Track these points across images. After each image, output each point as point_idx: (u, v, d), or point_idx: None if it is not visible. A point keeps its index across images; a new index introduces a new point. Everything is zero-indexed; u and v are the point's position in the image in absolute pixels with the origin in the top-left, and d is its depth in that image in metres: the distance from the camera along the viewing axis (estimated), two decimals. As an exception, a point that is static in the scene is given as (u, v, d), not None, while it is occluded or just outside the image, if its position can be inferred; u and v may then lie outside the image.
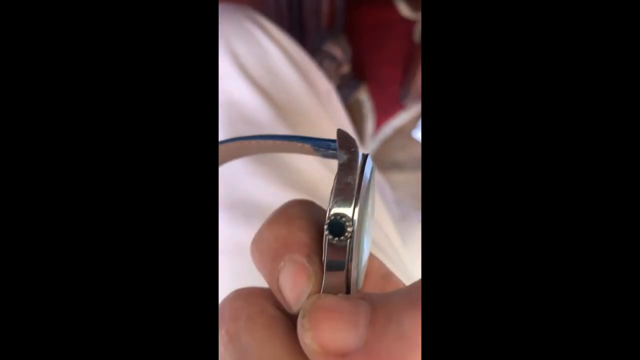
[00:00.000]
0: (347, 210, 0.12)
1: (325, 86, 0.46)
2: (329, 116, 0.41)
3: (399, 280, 0.15)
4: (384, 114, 1.04)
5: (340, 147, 0.13)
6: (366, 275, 0.15)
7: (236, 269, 0.30)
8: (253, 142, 0.15)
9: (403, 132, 1.03)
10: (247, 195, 0.34)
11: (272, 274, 0.13)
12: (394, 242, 0.40)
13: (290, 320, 0.13)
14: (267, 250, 0.13)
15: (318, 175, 0.36)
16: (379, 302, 0.11)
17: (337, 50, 0.94)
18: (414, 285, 0.12)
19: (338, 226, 0.12)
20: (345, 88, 1.01)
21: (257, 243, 0.14)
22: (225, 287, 0.16)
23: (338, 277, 0.12)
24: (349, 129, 0.48)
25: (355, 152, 0.13)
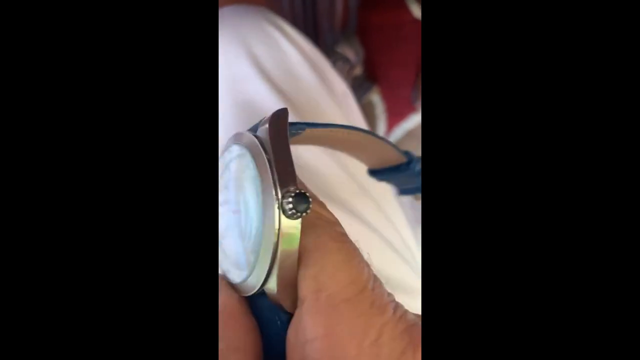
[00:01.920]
0: None
1: (342, 88, 0.47)
2: (345, 117, 0.42)
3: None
4: (395, 115, 1.04)
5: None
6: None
7: None
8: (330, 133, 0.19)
9: (414, 134, 1.03)
10: None
11: None
12: (410, 245, 0.40)
13: None
14: None
15: (335, 176, 0.36)
16: None
17: (350, 51, 0.94)
18: None
19: None
20: (358, 89, 1.01)
21: None
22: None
23: None
24: (365, 131, 0.48)
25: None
